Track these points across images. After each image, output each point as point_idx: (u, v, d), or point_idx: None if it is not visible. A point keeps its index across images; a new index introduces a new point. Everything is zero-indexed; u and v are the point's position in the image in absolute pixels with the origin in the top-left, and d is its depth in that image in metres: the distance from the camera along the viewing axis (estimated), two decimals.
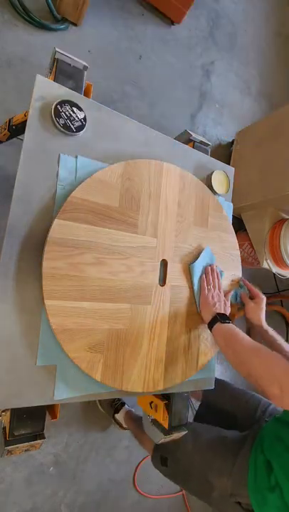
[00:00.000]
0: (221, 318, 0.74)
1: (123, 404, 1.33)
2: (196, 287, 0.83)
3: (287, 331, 2.11)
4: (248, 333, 1.76)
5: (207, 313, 0.78)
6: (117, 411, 1.29)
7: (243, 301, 0.90)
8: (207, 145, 1.00)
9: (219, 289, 0.83)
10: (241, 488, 0.74)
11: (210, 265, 0.85)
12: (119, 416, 1.29)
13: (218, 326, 0.73)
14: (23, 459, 1.18)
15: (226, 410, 1.00)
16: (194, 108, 1.83)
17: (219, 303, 0.79)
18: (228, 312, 0.81)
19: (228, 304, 0.84)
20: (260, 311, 0.86)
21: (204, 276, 0.83)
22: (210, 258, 0.87)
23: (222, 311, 0.78)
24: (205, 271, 0.84)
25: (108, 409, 1.32)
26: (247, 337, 0.68)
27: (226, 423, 0.94)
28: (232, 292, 0.90)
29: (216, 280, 0.84)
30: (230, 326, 0.72)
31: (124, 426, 1.28)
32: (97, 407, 1.34)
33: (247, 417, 0.94)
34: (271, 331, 0.84)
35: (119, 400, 1.33)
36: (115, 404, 1.31)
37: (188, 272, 0.83)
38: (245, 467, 0.75)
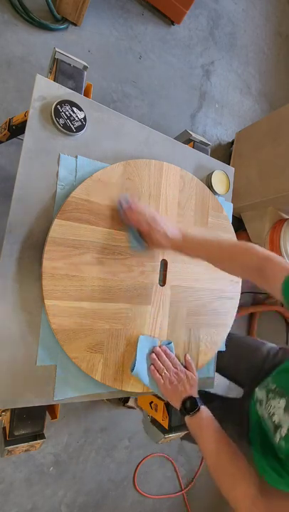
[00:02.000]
0: (188, 407, 0.66)
1: None
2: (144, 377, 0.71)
3: (287, 331, 2.11)
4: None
5: (175, 402, 0.69)
6: (126, 400, 1.29)
7: (142, 235, 0.71)
8: (207, 145, 1.00)
9: (174, 365, 0.73)
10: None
11: (154, 347, 0.74)
12: (131, 401, 1.29)
13: (187, 420, 0.66)
14: (23, 459, 1.18)
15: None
16: (194, 108, 1.83)
17: (181, 383, 0.70)
18: (193, 386, 0.71)
19: (192, 374, 0.73)
20: (163, 227, 0.66)
21: (152, 364, 0.72)
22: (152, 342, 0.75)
23: (188, 393, 0.68)
24: (152, 358, 0.72)
25: (116, 401, 1.32)
26: (211, 439, 0.61)
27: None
28: (129, 236, 0.71)
29: (166, 360, 0.73)
30: (197, 421, 0.64)
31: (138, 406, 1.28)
32: (103, 401, 1.34)
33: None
34: (190, 237, 0.67)
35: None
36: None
37: (189, 272, 0.82)
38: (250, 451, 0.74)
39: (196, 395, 0.69)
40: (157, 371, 0.72)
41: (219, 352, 0.90)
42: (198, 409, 0.65)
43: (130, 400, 1.31)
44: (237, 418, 0.77)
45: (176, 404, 0.68)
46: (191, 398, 0.67)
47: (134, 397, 1.29)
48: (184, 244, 0.68)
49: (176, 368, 0.73)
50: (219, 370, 0.93)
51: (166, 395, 0.70)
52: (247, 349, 0.95)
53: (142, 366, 0.71)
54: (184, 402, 0.67)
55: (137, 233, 0.71)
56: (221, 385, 1.69)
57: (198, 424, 0.64)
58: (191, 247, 0.68)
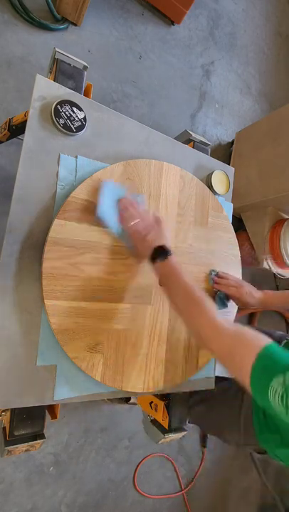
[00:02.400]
0: (158, 254, 0.64)
1: None
2: (114, 229, 0.67)
3: (287, 331, 2.11)
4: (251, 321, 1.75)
5: (145, 250, 0.66)
6: (128, 399, 1.30)
7: (231, 298, 0.86)
8: (207, 145, 1.00)
9: (145, 214, 0.69)
10: (252, 438, 0.75)
11: (122, 199, 0.69)
12: (133, 398, 1.30)
13: (157, 267, 0.64)
14: (23, 459, 1.18)
15: None
16: (194, 108, 1.83)
17: (151, 233, 0.66)
18: (165, 238, 0.67)
19: (163, 226, 0.69)
20: (248, 290, 0.82)
21: (121, 213, 0.68)
22: (116, 192, 0.69)
23: (159, 242, 0.65)
24: (121, 207, 0.68)
25: (119, 401, 1.32)
26: (180, 279, 0.61)
27: None
28: (216, 299, 0.86)
29: (136, 209, 0.69)
30: (167, 268, 0.63)
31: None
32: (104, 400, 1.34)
33: None
34: (270, 292, 0.83)
35: None
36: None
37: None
38: (250, 416, 0.76)
39: (167, 244, 0.66)
40: (126, 219, 0.68)
41: None
42: (169, 254, 0.63)
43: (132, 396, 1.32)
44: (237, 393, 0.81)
45: (146, 252, 0.66)
46: (162, 247, 0.64)
47: None
48: (267, 298, 0.83)
49: (146, 219, 0.69)
50: None
51: (135, 243, 0.68)
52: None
53: (107, 209, 0.66)
54: (155, 250, 0.64)
55: (222, 296, 0.87)
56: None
57: (169, 269, 0.63)
58: (273, 299, 0.83)
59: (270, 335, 0.95)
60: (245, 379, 0.45)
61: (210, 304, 0.56)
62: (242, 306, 0.87)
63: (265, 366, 0.43)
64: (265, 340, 0.47)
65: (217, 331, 0.52)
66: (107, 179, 0.68)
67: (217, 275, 0.87)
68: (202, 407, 0.90)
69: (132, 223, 0.67)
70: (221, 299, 0.87)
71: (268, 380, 0.41)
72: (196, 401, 0.90)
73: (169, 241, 0.67)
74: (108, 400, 1.33)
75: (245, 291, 0.83)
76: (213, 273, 0.87)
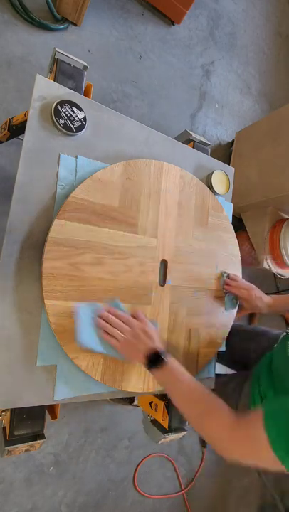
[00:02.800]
0: (153, 361, 0.61)
1: None
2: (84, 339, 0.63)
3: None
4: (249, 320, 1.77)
5: (140, 361, 0.64)
6: (132, 400, 1.30)
7: (240, 300, 0.88)
8: (207, 145, 1.00)
9: (127, 323, 0.65)
10: None
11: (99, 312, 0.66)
12: (137, 400, 1.30)
13: (155, 374, 0.62)
14: (23, 459, 1.18)
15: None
16: (194, 108, 1.83)
17: (139, 340, 0.63)
18: (152, 338, 0.64)
19: (148, 327, 0.66)
20: (257, 294, 0.85)
21: (103, 334, 0.64)
22: (92, 310, 0.65)
23: (149, 347, 0.62)
24: (99, 323, 0.64)
25: (122, 401, 1.32)
26: (183, 382, 0.59)
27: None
28: (226, 300, 0.88)
29: (117, 321, 0.65)
30: (166, 373, 0.61)
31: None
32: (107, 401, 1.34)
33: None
34: (278, 297, 0.85)
35: None
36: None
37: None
38: (247, 406, 0.77)
39: (159, 347, 0.63)
40: (111, 336, 0.64)
41: (230, 341, 0.92)
42: (164, 361, 0.61)
43: (136, 398, 1.32)
44: (239, 382, 0.83)
45: (142, 362, 0.63)
46: (154, 351, 0.62)
47: None
48: (275, 303, 0.85)
49: (130, 327, 0.65)
50: (228, 357, 0.96)
51: (127, 356, 0.66)
52: (255, 333, 1.00)
53: (89, 336, 0.63)
54: (148, 358, 0.62)
55: (231, 298, 0.89)
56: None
57: (167, 375, 0.61)
58: (281, 304, 0.85)
59: (267, 332, 0.96)
60: (274, 462, 0.44)
61: (218, 407, 0.54)
62: (250, 309, 0.88)
63: (277, 424, 0.45)
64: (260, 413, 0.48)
65: (231, 442, 0.50)
66: (77, 303, 0.64)
67: (228, 277, 0.88)
68: None
69: (118, 338, 0.64)
70: (231, 300, 0.89)
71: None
72: None
73: (158, 341, 0.65)
74: (111, 400, 1.33)
75: (255, 295, 0.85)
76: (224, 275, 0.88)
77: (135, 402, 1.30)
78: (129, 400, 1.32)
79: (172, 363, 0.62)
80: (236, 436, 0.50)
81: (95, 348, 0.64)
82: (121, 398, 1.31)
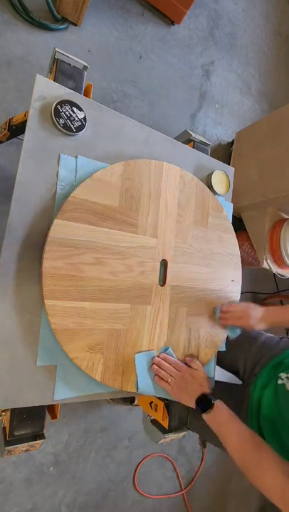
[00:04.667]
0: (203, 406, 0.65)
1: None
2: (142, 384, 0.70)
3: (287, 332, 2.11)
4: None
5: (190, 404, 0.69)
6: (133, 400, 1.30)
7: (238, 326, 0.84)
8: (207, 145, 1.00)
9: (178, 369, 0.72)
10: None
11: (153, 358, 0.73)
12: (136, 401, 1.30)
13: (205, 418, 0.65)
14: (23, 459, 1.18)
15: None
16: (194, 108, 1.83)
17: (189, 384, 0.69)
18: (202, 383, 0.70)
19: (198, 372, 0.73)
20: (253, 315, 0.80)
21: (156, 374, 0.72)
22: (148, 358, 0.73)
23: (198, 392, 0.68)
24: (153, 369, 0.72)
25: (122, 401, 1.32)
26: (232, 432, 0.61)
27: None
28: (227, 329, 0.85)
29: (168, 366, 0.72)
30: (215, 417, 0.64)
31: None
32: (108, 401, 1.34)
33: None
34: (273, 309, 0.81)
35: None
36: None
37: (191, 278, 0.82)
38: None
39: (207, 391, 0.69)
40: (162, 379, 0.71)
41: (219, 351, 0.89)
42: (213, 405, 0.64)
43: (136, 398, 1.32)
44: (237, 403, 0.79)
45: (192, 405, 0.68)
46: (203, 396, 0.67)
47: None
48: (267, 315, 0.81)
49: (180, 371, 0.72)
50: (219, 361, 0.93)
51: (179, 399, 0.71)
52: (245, 338, 0.94)
53: (145, 381, 0.71)
54: (197, 402, 0.67)
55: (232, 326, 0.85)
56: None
57: (216, 420, 0.64)
58: (280, 315, 0.81)
59: (258, 337, 0.93)
60: None
61: (270, 456, 0.54)
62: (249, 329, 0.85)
63: None
64: None
65: (284, 498, 0.50)
66: (138, 353, 0.71)
67: (221, 310, 0.84)
68: (202, 421, 0.89)
69: (169, 380, 0.70)
70: (231, 329, 0.86)
71: None
72: (196, 414, 0.89)
73: (206, 386, 0.70)
74: (111, 400, 1.33)
75: (252, 322, 0.80)
76: (217, 311, 0.85)
77: (135, 402, 1.30)
78: (130, 400, 1.32)
79: (220, 405, 0.65)
80: None
81: (151, 392, 0.71)
82: (121, 398, 1.31)
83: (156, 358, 0.73)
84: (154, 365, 0.72)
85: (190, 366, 0.75)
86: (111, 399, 1.34)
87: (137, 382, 0.69)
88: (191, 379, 0.71)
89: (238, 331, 0.86)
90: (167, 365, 0.72)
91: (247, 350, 0.90)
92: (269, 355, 0.85)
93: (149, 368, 0.72)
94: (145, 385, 0.70)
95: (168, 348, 0.76)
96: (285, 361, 0.79)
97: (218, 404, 0.65)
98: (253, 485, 0.55)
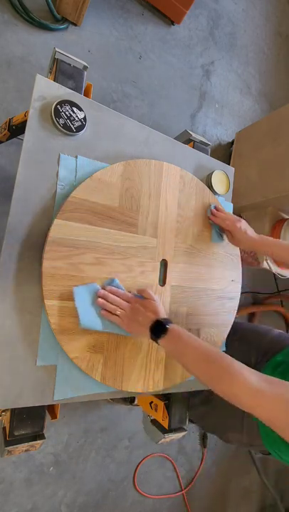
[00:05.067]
0: (157, 332, 0.61)
1: None
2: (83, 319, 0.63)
3: (287, 331, 2.11)
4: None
5: (144, 335, 0.64)
6: (133, 400, 1.30)
7: (225, 232, 0.87)
8: (207, 145, 1.00)
9: (127, 300, 0.66)
10: (256, 439, 0.75)
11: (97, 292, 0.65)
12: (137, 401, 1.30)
13: (162, 344, 0.61)
14: (23, 459, 1.18)
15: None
16: (194, 108, 1.83)
17: (141, 314, 0.64)
18: (154, 311, 0.64)
19: (148, 300, 0.66)
20: (243, 227, 0.81)
21: (103, 311, 0.65)
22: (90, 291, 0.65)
23: (151, 320, 0.62)
24: (99, 302, 0.64)
25: (123, 401, 1.32)
26: (192, 345, 0.58)
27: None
28: (212, 232, 0.86)
29: (116, 298, 0.66)
30: (172, 339, 0.60)
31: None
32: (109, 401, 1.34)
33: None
34: (269, 238, 0.80)
35: None
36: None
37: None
38: (254, 421, 0.75)
39: (161, 317, 0.63)
40: (111, 313, 0.64)
41: (228, 339, 0.89)
42: (167, 329, 0.60)
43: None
44: None
45: (146, 335, 0.63)
46: (157, 322, 0.61)
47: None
48: (262, 241, 0.80)
49: (129, 303, 0.65)
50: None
51: (131, 332, 0.66)
52: (257, 333, 0.95)
53: (89, 316, 0.64)
54: (152, 331, 0.61)
55: (218, 230, 0.88)
56: None
57: (173, 342, 0.60)
58: (268, 244, 0.79)
59: (269, 332, 0.94)
60: None
61: (237, 366, 0.52)
62: (235, 245, 0.86)
63: None
64: None
65: (257, 399, 0.47)
66: (76, 285, 0.63)
67: (215, 208, 0.87)
68: (203, 408, 0.90)
69: (118, 313, 0.64)
70: (217, 232, 0.88)
71: None
72: (196, 402, 0.90)
73: (161, 310, 0.64)
74: (111, 399, 1.33)
75: (239, 227, 0.81)
76: (211, 206, 0.87)
77: (135, 402, 1.30)
78: (130, 400, 1.32)
79: (176, 328, 0.60)
80: (266, 394, 0.47)
81: (98, 327, 0.64)
82: (121, 398, 1.31)
83: (102, 291, 0.65)
84: (99, 299, 0.64)
85: (142, 296, 0.68)
86: (111, 399, 1.34)
87: (79, 318, 0.62)
88: (142, 308, 0.64)
89: (222, 239, 0.88)
90: (114, 297, 0.65)
91: (258, 345, 0.90)
92: (283, 344, 0.85)
93: (93, 301, 0.65)
94: (89, 320, 0.63)
95: (114, 280, 0.69)
96: None
97: (174, 327, 0.61)
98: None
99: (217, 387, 0.53)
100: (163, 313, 0.64)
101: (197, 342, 0.59)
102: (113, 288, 0.67)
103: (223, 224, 0.84)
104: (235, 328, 0.90)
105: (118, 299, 0.65)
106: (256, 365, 0.86)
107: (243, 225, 0.82)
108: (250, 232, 0.82)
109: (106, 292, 0.66)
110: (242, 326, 0.99)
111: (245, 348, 0.91)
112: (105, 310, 0.65)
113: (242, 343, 0.93)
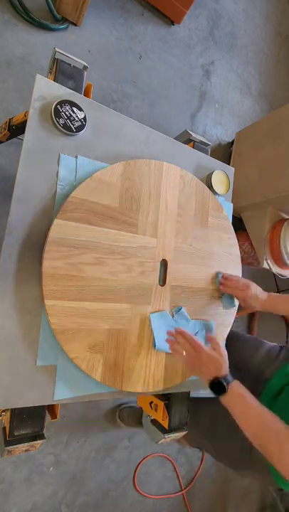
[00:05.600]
0: (216, 390, 0.64)
1: None
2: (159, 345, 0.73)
3: (287, 331, 2.11)
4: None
5: (202, 378, 0.68)
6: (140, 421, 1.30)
7: (237, 299, 0.87)
8: (207, 145, 1.00)
9: (194, 347, 0.68)
10: (267, 475, 0.74)
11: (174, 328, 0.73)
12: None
13: (221, 400, 0.64)
14: (23, 459, 1.18)
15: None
16: (194, 108, 1.83)
17: (204, 366, 0.66)
18: (216, 365, 0.66)
19: (214, 353, 0.68)
20: (253, 292, 0.82)
21: (172, 345, 0.71)
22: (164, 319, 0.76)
23: (212, 375, 0.65)
24: (170, 342, 0.72)
25: (134, 422, 1.31)
26: (249, 407, 0.61)
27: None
28: (223, 300, 0.87)
29: (185, 343, 0.69)
30: (229, 399, 0.63)
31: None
32: (117, 421, 1.35)
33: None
34: (276, 295, 0.82)
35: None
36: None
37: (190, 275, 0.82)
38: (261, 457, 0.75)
39: (222, 374, 0.65)
40: (178, 350, 0.70)
41: None
42: (226, 388, 0.63)
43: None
44: None
45: (206, 385, 0.66)
46: (216, 379, 0.64)
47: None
48: (270, 301, 0.82)
49: (196, 351, 0.68)
50: None
51: (193, 374, 0.72)
52: (244, 355, 0.95)
53: (162, 341, 0.74)
54: (211, 385, 0.65)
55: (228, 296, 0.89)
56: None
57: (233, 402, 0.62)
58: (278, 303, 0.82)
59: (256, 351, 0.93)
60: None
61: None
62: (247, 307, 0.86)
63: None
64: None
65: None
66: (153, 312, 0.74)
67: (223, 277, 0.87)
68: (207, 442, 0.90)
69: (184, 354, 0.69)
70: (228, 298, 0.89)
71: None
72: (197, 434, 0.89)
73: (224, 367, 0.66)
74: (121, 421, 1.34)
75: (250, 295, 0.82)
76: (219, 275, 0.88)
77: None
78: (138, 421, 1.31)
79: (236, 388, 0.63)
80: None
81: (168, 350, 0.73)
82: (132, 419, 1.31)
83: (173, 331, 0.72)
84: (169, 338, 0.72)
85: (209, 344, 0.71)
86: (121, 420, 1.34)
87: (155, 341, 0.73)
88: (206, 361, 0.67)
89: (235, 303, 0.88)
90: (184, 341, 0.70)
91: (251, 356, 0.92)
92: (277, 364, 0.86)
93: (164, 327, 0.75)
94: (162, 343, 0.73)
95: (181, 308, 0.78)
96: None
97: (234, 388, 0.63)
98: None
99: (266, 452, 0.56)
100: (225, 369, 0.66)
101: (256, 409, 0.60)
102: (184, 331, 0.71)
103: (234, 293, 0.86)
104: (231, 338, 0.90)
105: (187, 344, 0.69)
106: (251, 384, 0.87)
107: (253, 289, 0.83)
108: (261, 294, 0.83)
109: (177, 335, 0.71)
110: (229, 343, 0.93)
111: (237, 375, 0.91)
112: (173, 347, 0.71)
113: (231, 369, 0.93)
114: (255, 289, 0.83)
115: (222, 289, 0.87)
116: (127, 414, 1.33)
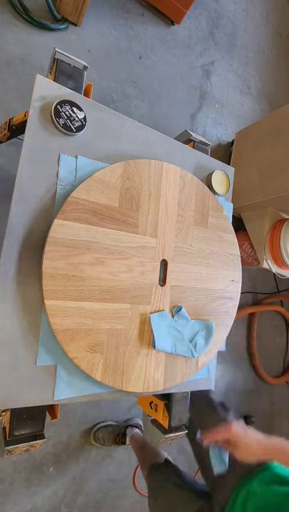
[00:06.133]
0: None
1: (126, 428, 1.34)
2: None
3: (287, 331, 2.12)
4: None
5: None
6: (124, 441, 1.30)
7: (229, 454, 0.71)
8: (207, 145, 1.00)
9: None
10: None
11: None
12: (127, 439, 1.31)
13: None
14: (23, 459, 1.18)
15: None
16: (194, 108, 1.83)
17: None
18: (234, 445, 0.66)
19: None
20: (248, 442, 0.67)
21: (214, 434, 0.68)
22: (163, 318, 0.75)
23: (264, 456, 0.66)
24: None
25: (110, 441, 1.30)
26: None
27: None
28: (213, 465, 0.71)
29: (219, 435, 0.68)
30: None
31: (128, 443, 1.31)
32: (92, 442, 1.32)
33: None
34: (269, 439, 0.68)
35: (121, 432, 1.34)
36: (119, 438, 1.31)
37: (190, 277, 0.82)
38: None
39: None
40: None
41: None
42: None
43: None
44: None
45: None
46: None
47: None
48: (266, 451, 0.68)
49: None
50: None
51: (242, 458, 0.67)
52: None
53: (164, 340, 0.74)
54: None
55: (219, 454, 0.72)
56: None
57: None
58: (272, 453, 0.68)
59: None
60: None
61: None
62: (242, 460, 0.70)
63: None
64: None
65: None
66: (153, 312, 0.74)
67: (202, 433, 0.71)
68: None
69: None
70: (217, 458, 0.72)
71: None
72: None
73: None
74: (96, 443, 1.31)
75: (243, 452, 0.67)
76: (197, 434, 0.72)
77: (127, 442, 1.30)
78: (122, 441, 1.31)
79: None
80: None
81: (168, 350, 0.74)
82: (111, 439, 1.30)
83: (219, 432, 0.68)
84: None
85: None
86: (97, 442, 1.30)
87: (155, 342, 0.72)
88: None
89: (225, 460, 0.71)
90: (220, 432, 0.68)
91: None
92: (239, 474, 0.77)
93: (164, 327, 0.75)
94: (164, 343, 0.74)
95: (181, 308, 0.78)
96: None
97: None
98: None
99: None
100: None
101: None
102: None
103: (224, 446, 0.70)
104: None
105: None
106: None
107: (245, 440, 0.67)
108: (258, 446, 0.67)
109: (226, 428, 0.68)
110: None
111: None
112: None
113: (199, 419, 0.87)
114: (248, 441, 0.67)
115: (205, 441, 0.70)
116: (102, 434, 1.32)
